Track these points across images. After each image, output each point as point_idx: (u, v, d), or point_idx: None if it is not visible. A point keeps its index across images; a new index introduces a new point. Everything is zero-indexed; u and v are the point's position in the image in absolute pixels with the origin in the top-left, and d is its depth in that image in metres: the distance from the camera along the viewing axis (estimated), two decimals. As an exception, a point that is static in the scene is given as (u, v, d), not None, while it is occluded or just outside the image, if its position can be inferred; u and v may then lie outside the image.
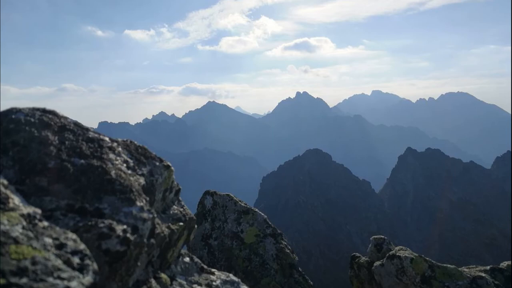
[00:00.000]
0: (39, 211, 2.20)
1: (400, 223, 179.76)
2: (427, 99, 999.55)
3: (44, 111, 3.04)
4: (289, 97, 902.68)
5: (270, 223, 9.83)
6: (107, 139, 3.15)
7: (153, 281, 2.89)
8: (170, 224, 3.18)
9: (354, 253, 9.33)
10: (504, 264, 7.95)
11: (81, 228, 2.34)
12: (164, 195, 3.32)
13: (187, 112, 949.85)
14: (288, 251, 9.40)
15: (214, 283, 3.34)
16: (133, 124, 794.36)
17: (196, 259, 3.57)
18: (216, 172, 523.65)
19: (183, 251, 3.51)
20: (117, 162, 2.91)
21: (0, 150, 2.63)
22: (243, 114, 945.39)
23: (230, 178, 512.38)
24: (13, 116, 2.82)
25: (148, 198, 2.84)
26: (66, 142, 2.81)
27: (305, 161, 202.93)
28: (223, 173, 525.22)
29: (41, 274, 1.77)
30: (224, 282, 3.41)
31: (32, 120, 2.85)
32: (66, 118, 3.09)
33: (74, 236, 2.16)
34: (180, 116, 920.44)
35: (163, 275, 3.07)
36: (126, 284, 2.50)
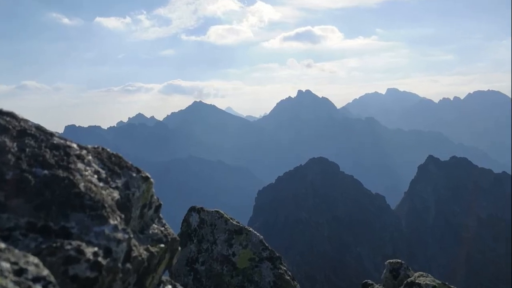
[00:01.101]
0: (-6, 231, 2.20)
1: (420, 244, 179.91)
2: (451, 99, 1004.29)
3: (0, 112, 3.02)
4: (289, 96, 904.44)
5: (267, 244, 9.83)
6: (75, 145, 3.13)
7: (129, 314, 2.78)
8: (149, 245, 3.16)
9: (366, 280, 9.34)
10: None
11: (44, 250, 2.29)
12: (142, 212, 3.31)
13: (169, 113, 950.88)
14: (288, 277, 9.41)
15: (201, 315, 3.34)
16: (106, 128, 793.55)
17: (179, 287, 3.57)
18: (203, 185, 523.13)
19: (165, 277, 3.51)
20: (86, 173, 2.87)
21: None
22: (235, 116, 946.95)
23: (220, 191, 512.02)
24: (-38, 120, 2.75)
25: (123, 215, 2.81)
26: (27, 150, 2.76)
27: (308, 171, 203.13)
28: (212, 185, 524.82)
29: (-4, 306, 1.70)
30: (213, 314, 3.42)
31: (-14, 123, 2.77)
32: (26, 121, 3.07)
33: (36, 260, 2.10)
34: (161, 119, 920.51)
35: (141, 307, 3.03)
36: (97, 317, 2.45)
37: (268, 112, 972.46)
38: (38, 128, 3.07)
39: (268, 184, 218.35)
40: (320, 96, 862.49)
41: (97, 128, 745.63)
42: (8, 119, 2.98)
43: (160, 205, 3.58)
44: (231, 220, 10.12)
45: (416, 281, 7.88)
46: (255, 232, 10.03)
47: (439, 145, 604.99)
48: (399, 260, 8.88)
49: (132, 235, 2.69)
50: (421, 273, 8.17)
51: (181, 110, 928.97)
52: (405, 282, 8.06)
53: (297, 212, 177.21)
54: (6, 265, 1.97)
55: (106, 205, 2.67)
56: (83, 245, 2.38)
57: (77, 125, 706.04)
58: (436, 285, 7.66)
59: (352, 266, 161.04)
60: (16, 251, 2.10)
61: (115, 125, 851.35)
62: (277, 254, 9.77)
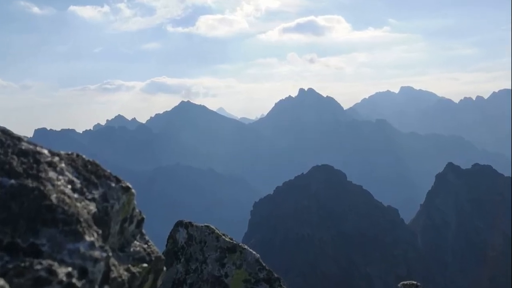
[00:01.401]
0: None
1: (437, 263, 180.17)
2: (474, 98, 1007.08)
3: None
4: (290, 96, 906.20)
5: (264, 264, 9.82)
6: (45, 152, 3.09)
7: None
8: (130, 265, 3.14)
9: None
10: None
11: (11, 270, 2.23)
12: (122, 227, 3.29)
13: (153, 115, 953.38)
14: (288, 301, 9.40)
15: None
16: (81, 132, 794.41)
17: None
18: (192, 196, 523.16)
19: (148, 302, 3.51)
20: (59, 183, 2.80)
21: None
22: (227, 118, 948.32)
23: (211, 203, 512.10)
24: None
25: (100, 231, 2.74)
26: (-9, 157, 2.68)
27: (310, 181, 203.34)
28: (201, 197, 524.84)
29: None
30: None
31: None
32: (-10, 124, 3.05)
33: (1, 281, 2.07)
34: (144, 121, 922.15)
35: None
36: None
37: (265, 114, 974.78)
38: (4, 131, 3.03)
39: (265, 195, 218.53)
40: (325, 95, 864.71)
41: (71, 131, 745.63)
42: (-31, 122, 2.90)
43: (142, 219, 3.54)
44: (223, 237, 10.11)
45: (433, 305, 7.91)
46: (251, 250, 10.02)
47: (460, 151, 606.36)
48: (414, 282, 8.90)
49: (110, 253, 2.63)
50: (439, 296, 8.19)
51: (166, 111, 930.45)
52: (420, 306, 8.08)
53: (298, 228, 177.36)
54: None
55: (81, 219, 2.61)
56: (55, 264, 2.31)
57: (48, 128, 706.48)
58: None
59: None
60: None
61: (92, 129, 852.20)
62: (276, 275, 9.77)
